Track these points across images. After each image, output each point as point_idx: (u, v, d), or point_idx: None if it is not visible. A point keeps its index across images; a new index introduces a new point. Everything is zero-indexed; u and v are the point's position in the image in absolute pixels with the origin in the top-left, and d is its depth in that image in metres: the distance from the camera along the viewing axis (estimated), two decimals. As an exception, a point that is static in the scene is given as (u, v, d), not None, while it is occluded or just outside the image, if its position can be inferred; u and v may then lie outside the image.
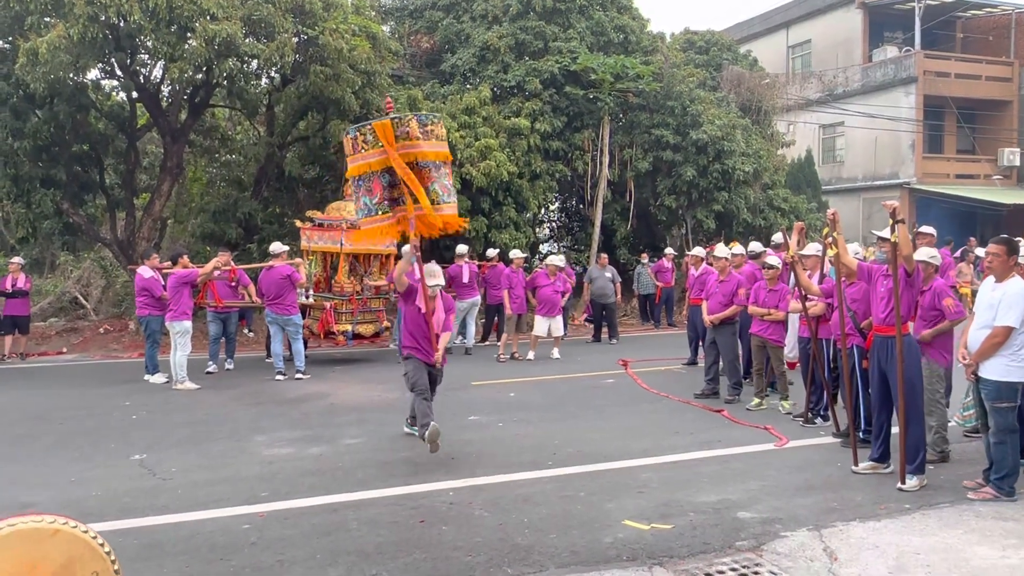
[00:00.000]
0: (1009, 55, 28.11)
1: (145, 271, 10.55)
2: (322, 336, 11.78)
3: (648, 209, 18.76)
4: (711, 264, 10.33)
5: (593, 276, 14.84)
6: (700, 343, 10.58)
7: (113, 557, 2.66)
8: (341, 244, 11.71)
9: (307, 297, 11.65)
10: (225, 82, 13.58)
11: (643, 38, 19.39)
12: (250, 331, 14.56)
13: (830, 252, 6.57)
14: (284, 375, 10.51)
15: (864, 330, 6.40)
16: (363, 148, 6.54)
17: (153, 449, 6.94)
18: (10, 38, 13.02)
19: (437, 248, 14.08)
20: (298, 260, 11.43)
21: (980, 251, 11.18)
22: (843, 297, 6.38)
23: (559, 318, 12.59)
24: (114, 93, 16.28)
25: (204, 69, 12.90)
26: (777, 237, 10.43)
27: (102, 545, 2.61)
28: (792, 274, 7.68)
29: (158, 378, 10.39)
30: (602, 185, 17.85)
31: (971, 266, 15.56)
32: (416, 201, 6.37)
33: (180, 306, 10.04)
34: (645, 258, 17.12)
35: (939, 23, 27.87)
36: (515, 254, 13.34)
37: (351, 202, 9.68)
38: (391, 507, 5.33)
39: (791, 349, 8.62)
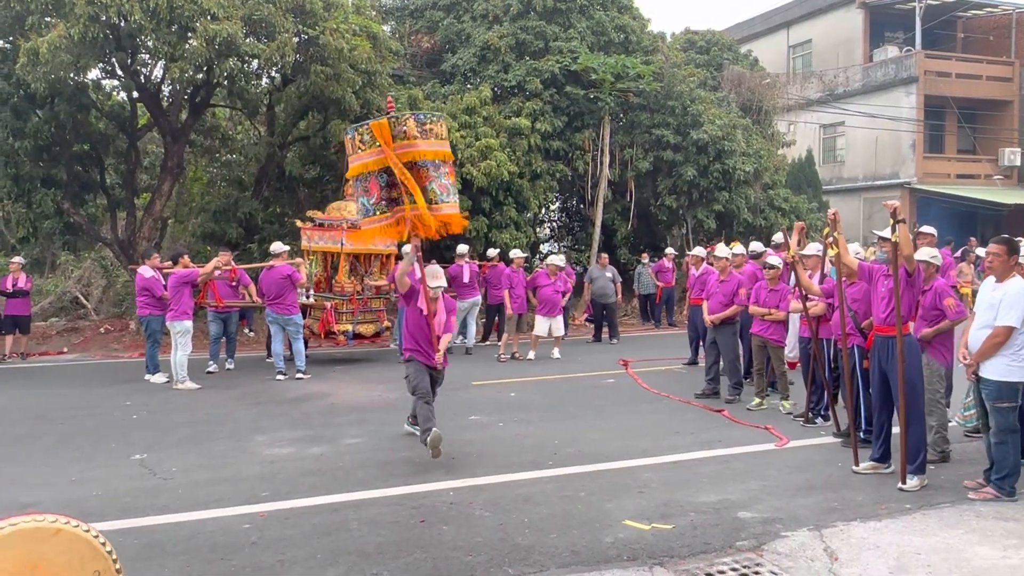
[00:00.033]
0: (1010, 55, 28.09)
1: (146, 271, 10.55)
2: (323, 336, 11.78)
3: (649, 209, 18.77)
4: (712, 264, 10.33)
5: (594, 276, 14.84)
6: (701, 343, 10.58)
7: (115, 557, 2.65)
8: (342, 244, 11.72)
9: (308, 297, 11.66)
10: (226, 82, 13.59)
11: (644, 38, 19.39)
12: (251, 331, 14.56)
13: (831, 252, 6.57)
14: (285, 375, 10.51)
15: (865, 330, 6.40)
16: (360, 148, 6.50)
17: (154, 449, 6.94)
18: (11, 38, 13.03)
19: (437, 248, 14.08)
20: (299, 260, 11.43)
21: (981, 251, 11.17)
22: (844, 297, 6.38)
23: (560, 318, 12.60)
24: (115, 93, 16.30)
25: (205, 69, 12.91)
26: (778, 237, 10.43)
27: (104, 544, 2.61)
28: (792, 274, 7.68)
29: (159, 378, 10.40)
30: (603, 185, 17.85)
31: (972, 266, 15.57)
32: (413, 201, 6.32)
33: (181, 306, 10.04)
34: (646, 258, 17.13)
35: (940, 23, 27.87)
36: (515, 254, 13.34)
37: (352, 202, 9.68)
38: (392, 507, 5.33)
39: (792, 349, 8.62)
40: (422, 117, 6.50)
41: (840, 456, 6.48)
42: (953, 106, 26.92)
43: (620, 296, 15.16)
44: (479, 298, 13.27)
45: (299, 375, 10.54)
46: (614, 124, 18.32)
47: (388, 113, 6.48)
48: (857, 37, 28.77)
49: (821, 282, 7.39)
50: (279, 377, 10.46)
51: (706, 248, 11.93)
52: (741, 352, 9.35)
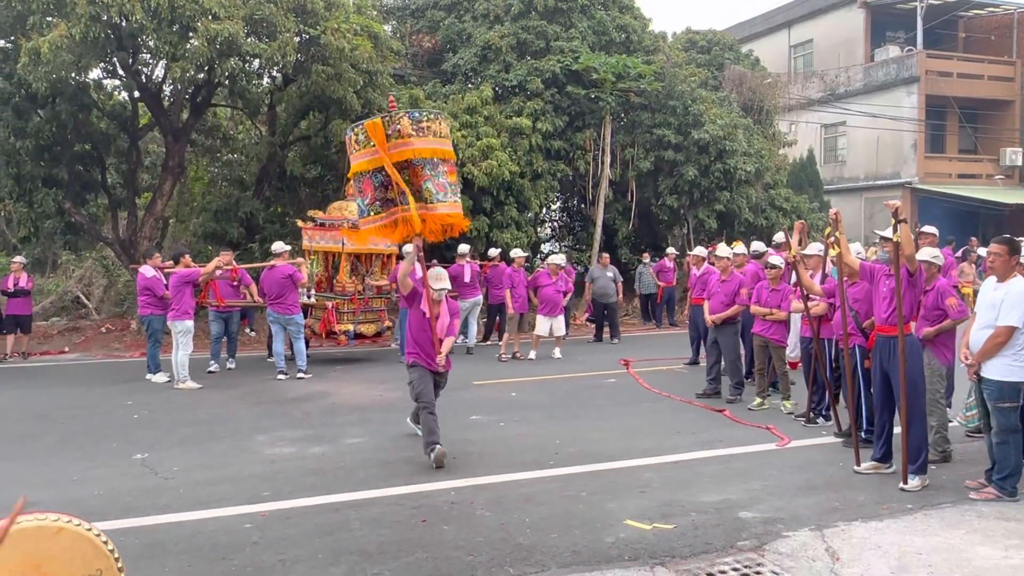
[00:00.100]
0: (1011, 55, 28.07)
1: (147, 270, 10.55)
2: (324, 336, 11.79)
3: (650, 209, 18.76)
4: (713, 264, 10.33)
5: (595, 276, 14.83)
6: (702, 343, 10.57)
7: (117, 555, 2.66)
8: (343, 244, 11.72)
9: (309, 297, 11.66)
10: (227, 81, 13.60)
11: (645, 37, 19.40)
12: (252, 330, 14.57)
13: (832, 252, 6.56)
14: (286, 374, 10.52)
15: (866, 330, 6.40)
16: (356, 148, 6.44)
17: (155, 448, 6.94)
18: (12, 37, 13.04)
19: (438, 248, 14.08)
20: (300, 260, 11.43)
21: (982, 251, 11.17)
22: (845, 297, 6.38)
23: (561, 318, 12.60)
24: (116, 92, 16.31)
25: (206, 69, 12.92)
26: (779, 236, 10.43)
27: (106, 543, 2.62)
28: (794, 273, 7.68)
29: (160, 377, 10.40)
30: (604, 184, 17.84)
31: (973, 266, 15.56)
32: (405, 202, 6.21)
33: (182, 305, 10.04)
34: (647, 258, 17.13)
35: (941, 23, 27.85)
36: (516, 253, 13.34)
37: (353, 202, 9.67)
38: (393, 506, 5.33)
39: (793, 349, 8.62)
40: (417, 115, 6.39)
41: (841, 456, 6.48)
42: (954, 106, 26.90)
43: (621, 296, 15.16)
44: (480, 298, 13.27)
45: (300, 375, 10.54)
46: (615, 124, 18.32)
47: (379, 113, 6.40)
48: (858, 37, 28.76)
49: (822, 282, 7.39)
50: (280, 377, 10.46)
51: (707, 248, 11.93)
52: (743, 352, 9.35)
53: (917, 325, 6.18)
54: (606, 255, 15.81)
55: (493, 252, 13.95)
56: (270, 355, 11.76)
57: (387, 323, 12.33)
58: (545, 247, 20.66)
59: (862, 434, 6.46)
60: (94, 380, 10.71)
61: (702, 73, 20.46)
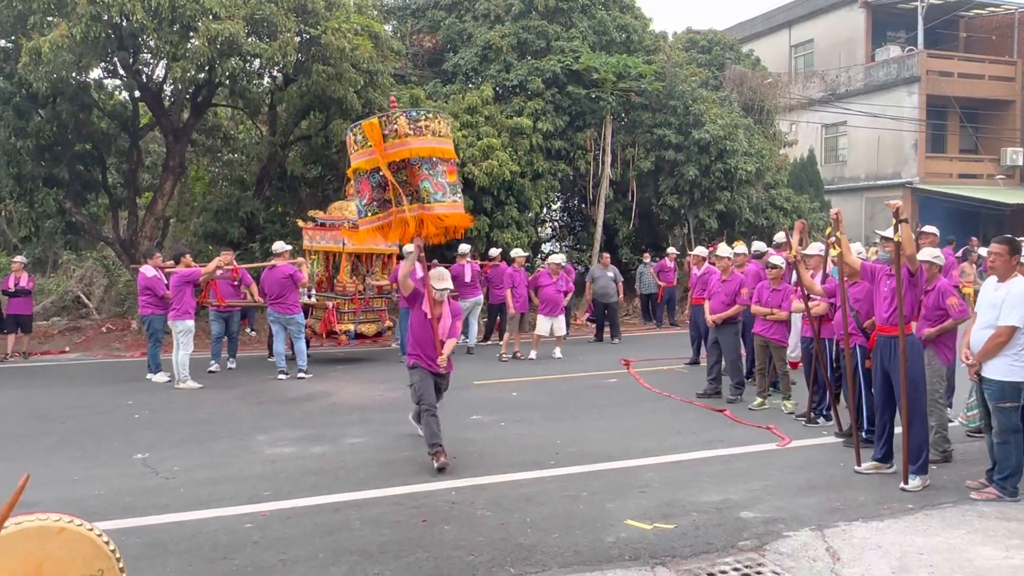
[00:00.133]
0: (1012, 54, 28.06)
1: (148, 270, 10.55)
2: (324, 336, 11.79)
3: (650, 208, 18.76)
4: (713, 264, 10.33)
5: (595, 275, 14.84)
6: (702, 342, 10.57)
7: (118, 555, 2.67)
8: (343, 244, 11.72)
9: (310, 297, 11.66)
10: (227, 81, 13.59)
11: (645, 37, 19.39)
12: (252, 330, 14.57)
13: (833, 252, 6.56)
14: (286, 374, 10.52)
15: (867, 330, 6.39)
16: (355, 148, 6.42)
17: (156, 448, 6.95)
18: (13, 37, 13.04)
19: (439, 248, 14.08)
20: (300, 259, 11.43)
21: (983, 251, 11.16)
22: (846, 297, 6.38)
23: (561, 317, 12.60)
24: (117, 92, 16.31)
25: (206, 68, 12.91)
26: (779, 236, 10.43)
27: (107, 543, 2.62)
28: (794, 273, 7.67)
29: (160, 377, 10.40)
30: (604, 184, 17.84)
31: (974, 266, 15.56)
32: (400, 203, 6.16)
33: (183, 305, 10.04)
34: (647, 257, 17.12)
35: (942, 22, 27.84)
36: (517, 252, 13.33)
37: (353, 201, 9.66)
38: (393, 506, 5.33)
39: (794, 349, 8.62)
40: (414, 114, 6.34)
41: (842, 456, 6.48)
42: (955, 106, 26.89)
43: (622, 296, 15.15)
44: (481, 297, 13.28)
45: (301, 375, 10.54)
46: (616, 124, 18.31)
47: (381, 112, 6.37)
48: (859, 36, 28.75)
49: (823, 282, 7.39)
50: (281, 376, 10.46)
51: (708, 248, 11.93)
52: (743, 352, 9.34)
53: (918, 325, 6.18)
54: (607, 255, 15.81)
55: (494, 252, 13.95)
56: (271, 355, 11.76)
57: (388, 323, 12.33)
58: (546, 247, 20.67)
59: (863, 434, 6.46)
60: (95, 380, 10.71)
61: (703, 73, 20.46)
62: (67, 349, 13.81)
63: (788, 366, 8.48)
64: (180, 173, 15.56)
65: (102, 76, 14.87)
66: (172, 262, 10.70)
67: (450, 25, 18.64)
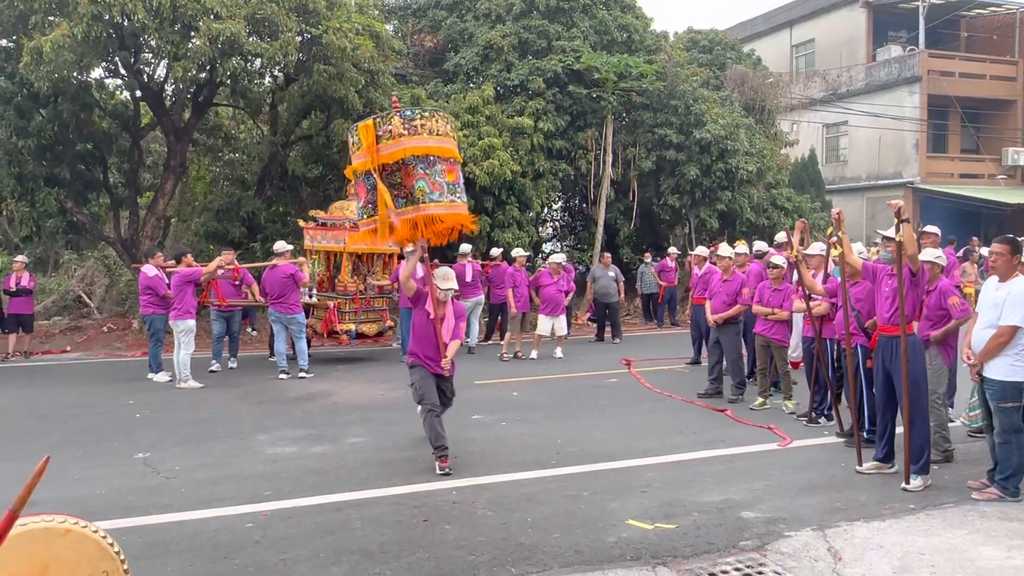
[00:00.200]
0: (1013, 54, 28.05)
1: (149, 269, 10.56)
2: (325, 335, 11.79)
3: (651, 208, 18.75)
4: (715, 263, 10.32)
5: (596, 275, 14.83)
6: (703, 342, 10.57)
7: (123, 557, 2.67)
8: (344, 243, 11.73)
9: (311, 296, 11.66)
10: (229, 81, 13.61)
11: (646, 37, 19.38)
12: (253, 330, 14.58)
13: (834, 252, 6.56)
14: (287, 374, 10.52)
15: (868, 330, 6.39)
16: (353, 150, 6.39)
17: (157, 448, 6.95)
18: (14, 37, 13.04)
19: (440, 248, 14.07)
20: (301, 259, 11.44)
21: (985, 250, 11.16)
22: (847, 296, 6.37)
23: (563, 317, 12.60)
24: (118, 92, 16.31)
25: (208, 68, 12.92)
26: (781, 236, 10.43)
27: (111, 545, 2.62)
28: (795, 273, 7.67)
29: (162, 377, 10.41)
30: (605, 184, 17.83)
31: (975, 265, 15.55)
32: (400, 205, 6.11)
33: (184, 305, 10.05)
34: (648, 257, 17.12)
35: (943, 22, 27.82)
36: (518, 252, 13.34)
37: (354, 201, 9.67)
38: (394, 506, 5.33)
39: (795, 349, 8.61)
40: (409, 114, 6.28)
41: (844, 456, 6.47)
42: (956, 105, 26.87)
43: (623, 295, 15.15)
44: (482, 297, 13.28)
45: (302, 374, 10.54)
46: (617, 123, 18.30)
47: (381, 112, 6.35)
48: (860, 36, 28.73)
49: (824, 281, 7.38)
50: (282, 376, 10.47)
51: (709, 247, 11.93)
52: (745, 352, 9.34)
53: (920, 326, 6.17)
54: (608, 255, 15.80)
55: (495, 252, 13.95)
56: (272, 354, 11.76)
57: (389, 323, 12.34)
58: (547, 247, 20.66)
59: (864, 434, 6.45)
60: (96, 379, 10.72)
61: (704, 73, 20.45)
62: (68, 349, 13.81)
63: (789, 366, 8.47)
64: (181, 173, 15.57)
65: (103, 76, 14.89)
66: (173, 262, 10.71)
67: (451, 25, 18.63)
